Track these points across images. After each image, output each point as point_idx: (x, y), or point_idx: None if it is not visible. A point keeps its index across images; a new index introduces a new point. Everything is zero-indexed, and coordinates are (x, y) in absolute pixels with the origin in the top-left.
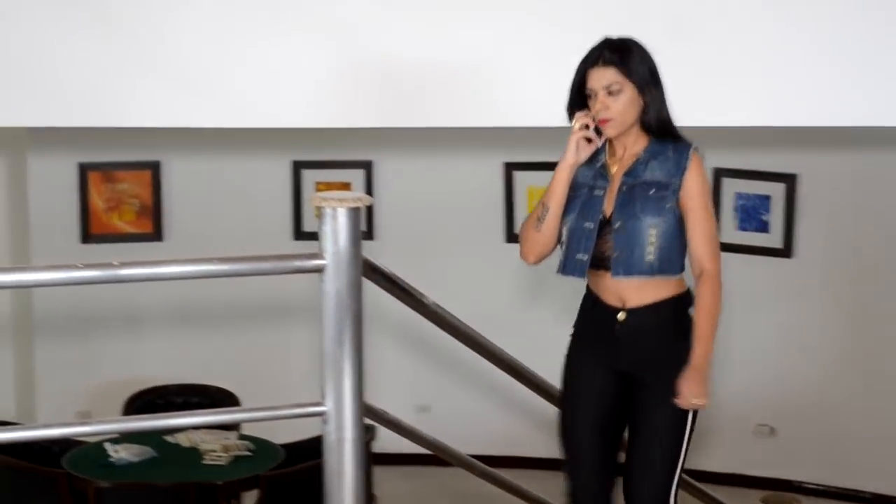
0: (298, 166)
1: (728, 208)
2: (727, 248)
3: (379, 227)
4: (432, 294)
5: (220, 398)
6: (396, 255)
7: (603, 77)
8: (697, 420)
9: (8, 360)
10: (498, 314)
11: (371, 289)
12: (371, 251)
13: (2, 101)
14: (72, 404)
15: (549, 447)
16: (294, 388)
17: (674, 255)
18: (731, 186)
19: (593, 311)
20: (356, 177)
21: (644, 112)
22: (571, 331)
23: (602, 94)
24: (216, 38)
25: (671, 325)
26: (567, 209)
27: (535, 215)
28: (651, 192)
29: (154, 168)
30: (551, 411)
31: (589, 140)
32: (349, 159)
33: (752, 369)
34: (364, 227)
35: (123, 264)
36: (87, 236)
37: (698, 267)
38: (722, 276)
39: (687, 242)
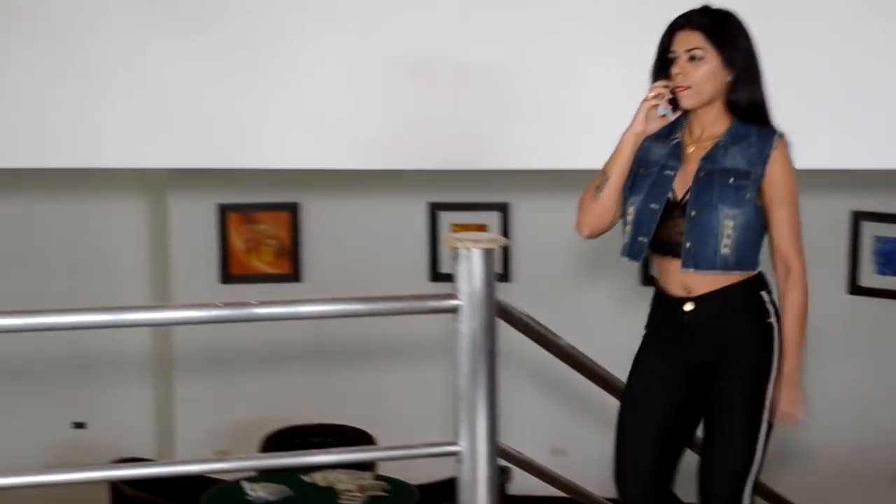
0: (435, 208)
1: (867, 252)
2: (866, 292)
3: (515, 269)
4: (568, 336)
5: (355, 438)
6: (532, 297)
7: (687, 40)
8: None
9: (148, 397)
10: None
11: (505, 329)
12: (507, 293)
13: (144, 144)
14: (210, 442)
15: (685, 494)
16: (428, 427)
17: (750, 250)
18: (870, 230)
19: (660, 304)
20: (492, 219)
21: (732, 90)
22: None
23: (683, 59)
24: (353, 84)
25: (742, 308)
26: (635, 188)
27: (595, 184)
28: (730, 180)
29: (292, 209)
30: (689, 459)
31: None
32: (485, 201)
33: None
34: (500, 269)
35: (262, 303)
36: (227, 276)
37: (784, 264)
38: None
39: (771, 237)
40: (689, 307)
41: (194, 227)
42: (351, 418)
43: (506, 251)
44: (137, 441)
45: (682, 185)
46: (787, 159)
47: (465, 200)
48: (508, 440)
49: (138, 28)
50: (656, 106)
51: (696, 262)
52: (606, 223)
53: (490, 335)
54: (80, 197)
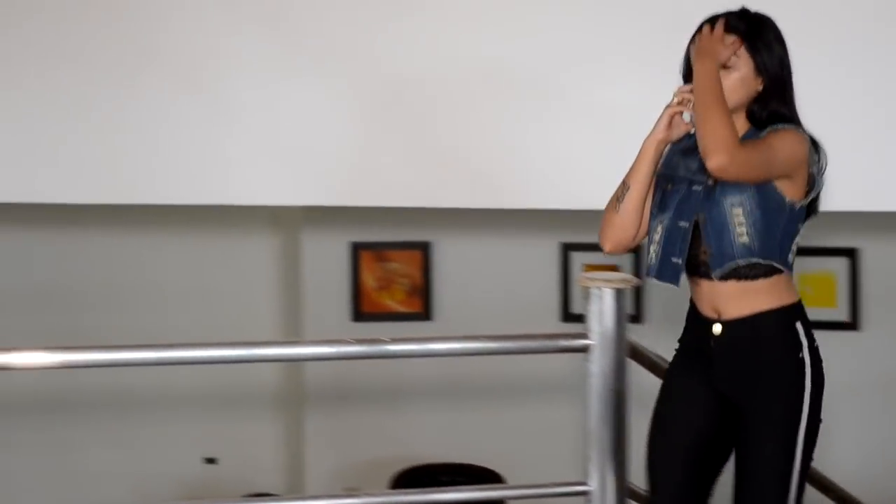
0: (567, 248)
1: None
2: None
3: (647, 310)
4: None
5: (484, 476)
6: (663, 338)
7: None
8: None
9: (278, 433)
10: None
11: (636, 369)
12: (638, 334)
13: (278, 181)
14: (339, 479)
15: None
16: (558, 467)
17: (772, 235)
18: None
19: (693, 324)
20: (624, 260)
21: (757, 100)
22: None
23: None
24: (484, 122)
25: (773, 338)
26: (664, 205)
27: (616, 195)
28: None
29: (424, 248)
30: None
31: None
32: None
33: None
34: (632, 310)
35: (393, 340)
36: (358, 314)
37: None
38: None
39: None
40: (717, 330)
41: (327, 265)
42: (480, 457)
43: (638, 292)
44: (267, 477)
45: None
46: (787, 133)
47: (596, 241)
48: (638, 480)
49: (272, 66)
50: (681, 112)
51: (719, 261)
52: (629, 238)
53: (620, 375)
54: (214, 233)
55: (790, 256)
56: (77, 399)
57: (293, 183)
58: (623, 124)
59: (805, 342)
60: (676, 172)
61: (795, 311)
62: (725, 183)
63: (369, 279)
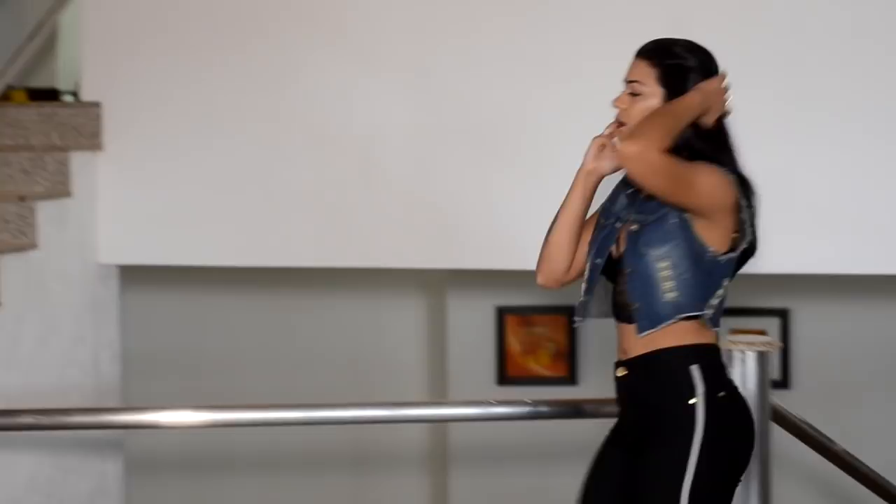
0: None
1: None
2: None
3: (795, 376)
4: (847, 444)
5: None
6: (810, 403)
7: (632, 71)
8: None
9: (423, 494)
10: None
11: (778, 433)
12: (786, 400)
13: (423, 245)
14: None
15: None
16: None
17: (696, 286)
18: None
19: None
20: (771, 325)
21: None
22: None
23: (626, 91)
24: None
25: (662, 384)
26: (591, 242)
27: (549, 227)
28: (653, 218)
29: (569, 312)
30: None
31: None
32: (764, 307)
33: None
34: (779, 375)
35: (536, 402)
36: (504, 378)
37: None
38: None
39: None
40: (620, 373)
41: (472, 329)
42: None
43: (786, 358)
44: None
45: (623, 238)
46: (717, 171)
47: (742, 305)
48: None
49: (420, 130)
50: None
51: (651, 320)
52: (560, 271)
53: (763, 439)
54: (360, 296)
55: (708, 310)
56: (224, 458)
57: (440, 246)
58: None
59: (701, 388)
60: (612, 207)
61: (695, 352)
62: (649, 231)
63: (514, 343)
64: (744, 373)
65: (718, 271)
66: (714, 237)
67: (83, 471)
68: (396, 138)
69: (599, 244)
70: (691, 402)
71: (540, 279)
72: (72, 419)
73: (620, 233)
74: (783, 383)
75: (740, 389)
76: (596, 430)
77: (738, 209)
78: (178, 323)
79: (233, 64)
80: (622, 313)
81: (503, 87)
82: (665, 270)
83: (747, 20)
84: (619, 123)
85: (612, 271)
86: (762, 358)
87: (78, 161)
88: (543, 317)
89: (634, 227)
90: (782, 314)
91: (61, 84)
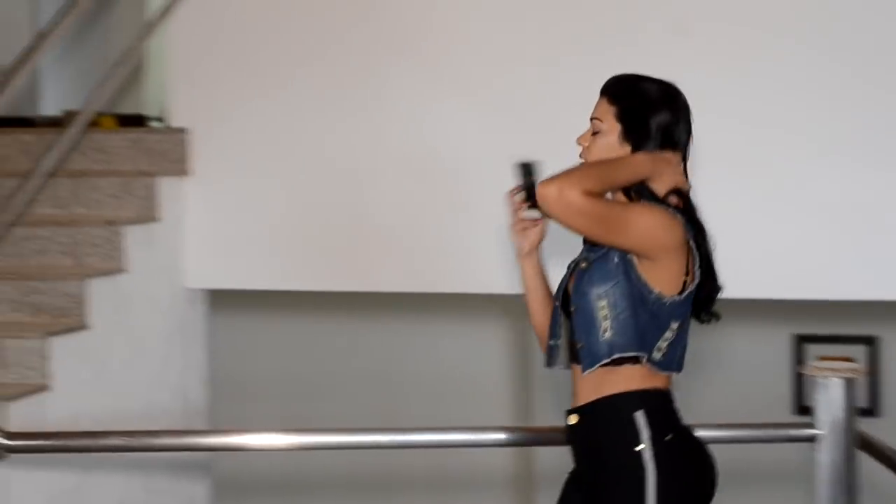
0: (800, 340)
1: None
2: None
3: (884, 403)
4: None
5: None
6: None
7: (595, 108)
8: None
9: None
10: None
11: (867, 462)
12: (875, 427)
13: (509, 271)
14: None
15: None
16: None
17: (635, 327)
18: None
19: None
20: (859, 352)
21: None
22: None
23: (588, 129)
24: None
25: (607, 432)
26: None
27: None
28: (597, 258)
29: None
30: None
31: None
32: (851, 334)
33: None
34: (868, 402)
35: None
36: None
37: None
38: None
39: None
40: (572, 419)
41: None
42: None
43: (874, 385)
44: None
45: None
46: (657, 209)
47: (830, 333)
48: None
49: (505, 156)
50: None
51: (591, 359)
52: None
53: (850, 467)
54: (447, 320)
55: (656, 354)
56: (310, 481)
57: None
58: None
59: (646, 433)
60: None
61: (639, 399)
62: (594, 270)
63: None
64: (828, 399)
65: (664, 314)
66: (660, 279)
67: (172, 493)
68: (483, 163)
69: (557, 287)
70: (637, 448)
71: (546, 361)
72: (160, 441)
73: (573, 273)
74: (872, 411)
75: (825, 417)
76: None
77: (687, 250)
78: (264, 347)
79: (319, 89)
80: (572, 353)
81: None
82: (603, 309)
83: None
84: (583, 161)
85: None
86: (848, 384)
87: (165, 186)
88: None
89: (584, 265)
90: (870, 341)
91: (149, 110)
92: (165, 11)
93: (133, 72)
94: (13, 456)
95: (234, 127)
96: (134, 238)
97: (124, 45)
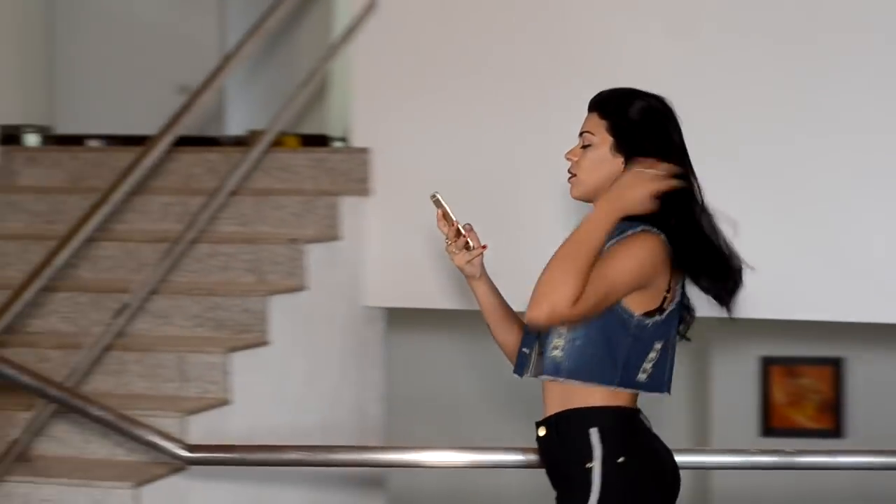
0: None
1: None
2: None
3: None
4: None
5: None
6: None
7: (584, 122)
8: None
9: None
10: None
11: None
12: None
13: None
14: None
15: None
16: None
17: (604, 359)
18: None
19: None
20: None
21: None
22: None
23: (578, 143)
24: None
25: (563, 446)
26: None
27: None
28: None
29: (836, 364)
30: None
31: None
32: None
33: None
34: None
35: (799, 451)
36: (767, 429)
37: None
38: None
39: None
40: (540, 432)
41: (735, 378)
42: None
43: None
44: None
45: None
46: (637, 244)
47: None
48: None
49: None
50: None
51: (534, 368)
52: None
53: None
54: None
55: (641, 376)
56: (482, 499)
57: (702, 296)
58: None
59: (599, 452)
60: None
61: (597, 415)
62: None
63: (779, 394)
64: None
65: (646, 336)
66: (641, 301)
67: None
68: None
69: None
70: (587, 466)
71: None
72: (337, 457)
73: None
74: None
75: None
76: (861, 483)
77: (669, 269)
78: (440, 365)
79: (499, 109)
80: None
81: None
82: (560, 328)
83: None
84: (572, 175)
85: None
86: None
87: (347, 205)
88: (809, 368)
89: None
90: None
91: (331, 130)
92: (349, 33)
93: (317, 92)
94: (194, 468)
95: (414, 147)
96: (315, 256)
97: (308, 67)
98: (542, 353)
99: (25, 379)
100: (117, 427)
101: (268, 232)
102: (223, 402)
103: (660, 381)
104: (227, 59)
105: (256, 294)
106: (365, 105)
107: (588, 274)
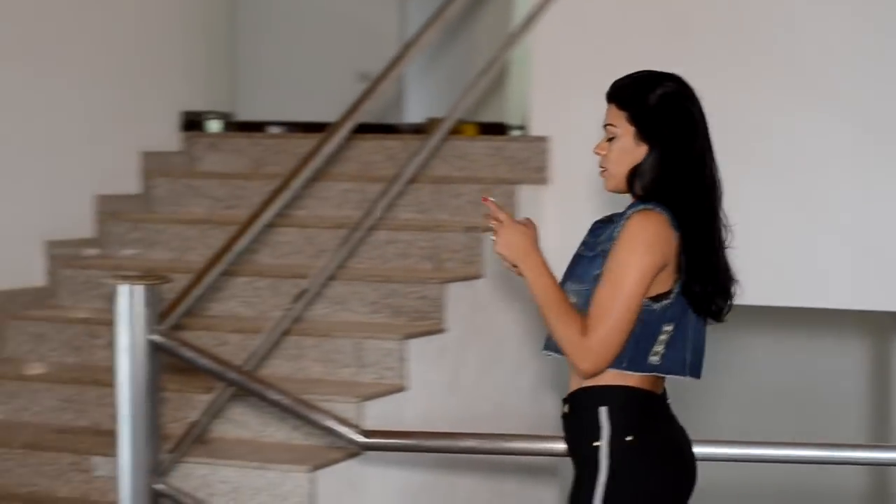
0: None
1: None
2: None
3: None
4: None
5: None
6: None
7: (606, 115)
8: None
9: None
10: None
11: None
12: None
13: (868, 285)
14: None
15: None
16: None
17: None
18: None
19: None
20: None
21: (636, 167)
22: None
23: (604, 137)
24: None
25: (574, 423)
26: None
27: None
28: (586, 254)
29: None
30: None
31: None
32: None
33: None
34: None
35: None
36: None
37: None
38: (601, 351)
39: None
40: (565, 409)
41: None
42: None
43: None
44: None
45: None
46: (636, 231)
47: None
48: None
49: (866, 164)
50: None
51: (547, 344)
52: None
53: None
54: (801, 335)
55: (650, 358)
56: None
57: (882, 288)
58: None
59: (606, 430)
60: None
61: (608, 394)
62: (581, 262)
63: None
64: None
65: (654, 319)
66: (652, 284)
67: (520, 496)
68: (830, 169)
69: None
70: (595, 444)
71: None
72: (512, 445)
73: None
74: None
75: None
76: None
77: (680, 249)
78: None
79: None
80: None
81: None
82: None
83: None
84: (603, 169)
85: None
86: None
87: (525, 194)
88: None
89: (580, 248)
90: None
91: (510, 118)
92: (528, 21)
93: (496, 80)
94: (368, 453)
95: (593, 136)
96: (492, 244)
97: (488, 55)
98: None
99: (205, 362)
100: (294, 411)
101: (445, 220)
102: (399, 389)
103: (678, 365)
104: (407, 47)
105: (433, 281)
106: (544, 93)
107: (564, 309)
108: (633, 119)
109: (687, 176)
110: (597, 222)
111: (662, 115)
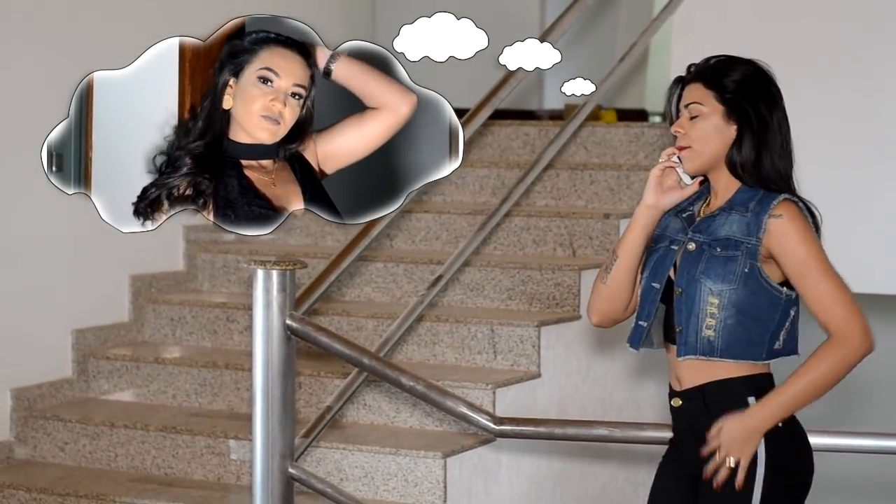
0: None
1: None
2: None
3: None
4: None
5: None
6: None
7: (688, 94)
8: None
9: None
10: None
11: None
12: None
13: None
14: None
15: None
16: None
17: (749, 336)
18: None
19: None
20: None
21: (732, 148)
22: None
23: (684, 117)
24: None
25: (721, 412)
26: (645, 266)
27: (605, 265)
28: (718, 251)
29: None
30: None
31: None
32: None
33: None
34: None
35: None
36: None
37: (829, 334)
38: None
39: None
40: (675, 403)
41: None
42: None
43: None
44: None
45: (680, 260)
46: (797, 223)
47: None
48: None
49: None
50: (670, 174)
51: (685, 347)
52: (617, 310)
53: None
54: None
55: (778, 344)
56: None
57: None
58: None
59: None
60: (664, 232)
61: (753, 382)
62: (712, 261)
63: None
64: None
65: (790, 304)
66: (779, 272)
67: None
68: None
69: (654, 267)
70: None
71: (595, 319)
72: (645, 434)
73: (677, 255)
74: None
75: None
76: None
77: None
78: None
79: (814, 91)
80: (669, 334)
81: None
82: (712, 307)
83: None
84: (680, 148)
85: (664, 293)
86: None
87: None
88: None
89: (692, 246)
90: None
91: (650, 105)
92: (668, 7)
93: (635, 67)
94: (500, 440)
95: None
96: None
97: (627, 41)
98: (681, 330)
99: (340, 348)
100: (428, 398)
101: (582, 206)
102: (533, 376)
103: (792, 346)
104: (546, 33)
105: (569, 268)
106: None
107: (808, 377)
108: (722, 98)
109: (780, 157)
110: (673, 213)
111: (752, 94)
